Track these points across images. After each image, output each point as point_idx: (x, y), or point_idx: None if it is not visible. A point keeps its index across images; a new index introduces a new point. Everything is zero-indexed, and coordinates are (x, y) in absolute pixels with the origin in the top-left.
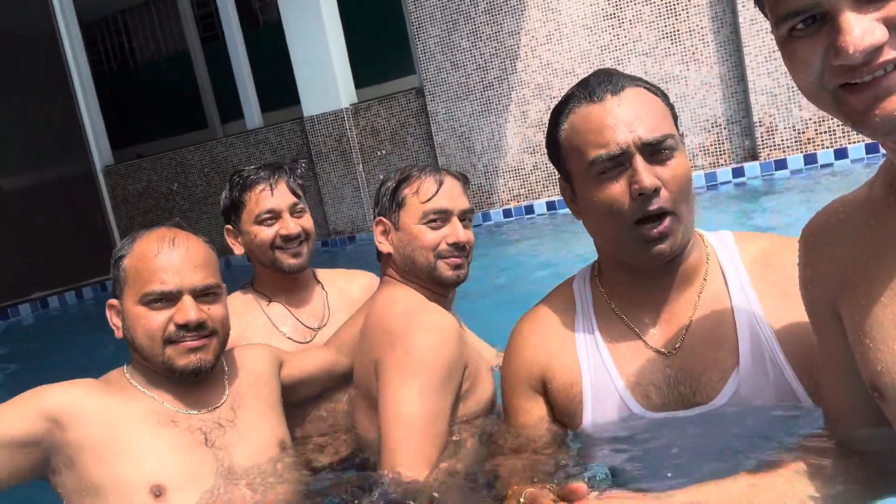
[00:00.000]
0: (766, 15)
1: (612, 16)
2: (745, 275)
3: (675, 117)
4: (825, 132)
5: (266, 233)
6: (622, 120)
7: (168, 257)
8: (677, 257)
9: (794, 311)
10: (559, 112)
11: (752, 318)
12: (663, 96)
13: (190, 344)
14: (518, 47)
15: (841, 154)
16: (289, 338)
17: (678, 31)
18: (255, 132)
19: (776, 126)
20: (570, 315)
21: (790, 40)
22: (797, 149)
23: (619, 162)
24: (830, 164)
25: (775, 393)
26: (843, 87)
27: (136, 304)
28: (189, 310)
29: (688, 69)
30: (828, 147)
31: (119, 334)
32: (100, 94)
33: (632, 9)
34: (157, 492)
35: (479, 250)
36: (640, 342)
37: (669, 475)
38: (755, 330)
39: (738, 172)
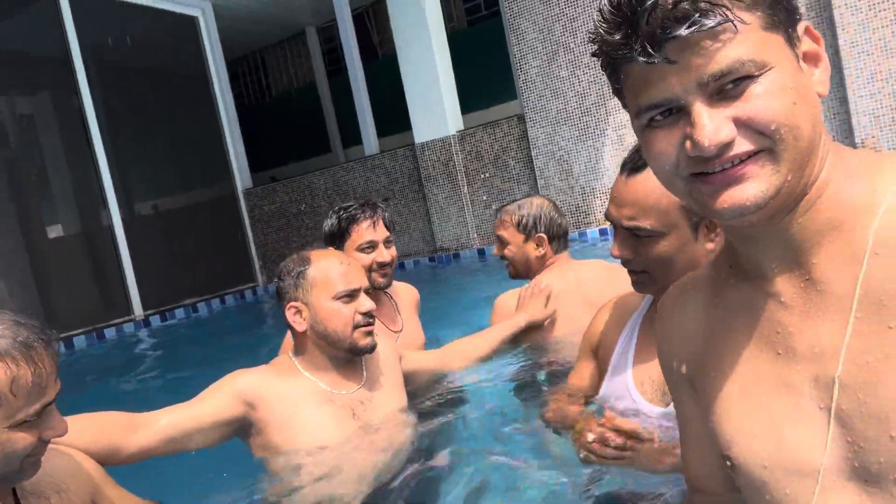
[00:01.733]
0: (623, 104)
1: None
2: None
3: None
4: None
5: (365, 259)
6: (617, 200)
7: (349, 266)
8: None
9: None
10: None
11: None
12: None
13: (369, 328)
14: None
15: None
16: None
17: None
18: (371, 158)
19: (880, 147)
20: (630, 312)
21: (649, 130)
22: None
23: (615, 227)
24: None
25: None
26: (695, 176)
27: (331, 300)
28: (367, 301)
29: None
30: None
31: (302, 328)
32: (241, 124)
33: None
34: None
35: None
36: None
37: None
38: None
39: None
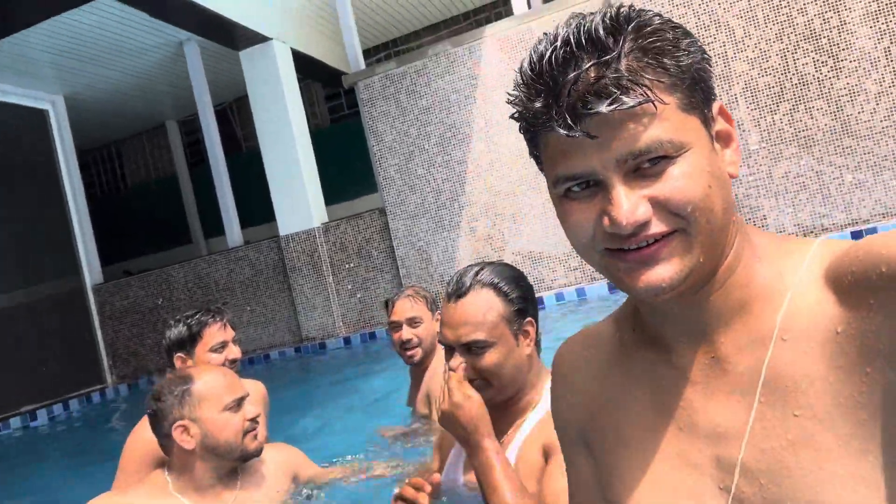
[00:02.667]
0: (540, 168)
1: None
2: (537, 419)
3: (518, 310)
4: None
5: (218, 359)
6: (451, 323)
7: (230, 376)
8: (498, 408)
9: (536, 440)
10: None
11: (518, 440)
12: (505, 295)
13: (256, 432)
14: (465, 173)
15: None
16: None
17: None
18: (235, 249)
19: None
20: None
21: (566, 200)
22: None
23: (451, 350)
24: None
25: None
26: (611, 251)
27: (220, 411)
28: (251, 407)
29: None
30: None
31: (191, 445)
32: (92, 215)
33: None
34: None
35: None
36: None
37: None
38: (514, 448)
39: None
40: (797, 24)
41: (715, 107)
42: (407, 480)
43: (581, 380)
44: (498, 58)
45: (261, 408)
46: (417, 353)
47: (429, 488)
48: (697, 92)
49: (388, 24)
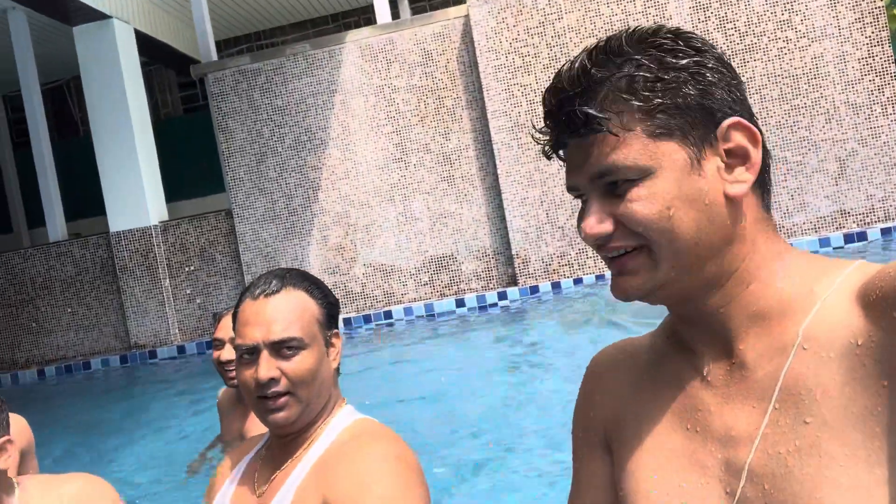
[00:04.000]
0: None
1: (400, 159)
2: (321, 451)
3: (329, 316)
4: (566, 265)
5: None
6: (259, 320)
7: None
8: (295, 426)
9: (315, 487)
10: (241, 294)
11: (293, 484)
12: (321, 299)
13: None
14: (320, 180)
15: (578, 282)
16: None
17: (453, 175)
18: (57, 244)
19: (529, 258)
20: (252, 446)
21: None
22: (546, 277)
23: (252, 353)
24: (569, 289)
25: None
26: (605, 257)
27: None
28: None
29: (461, 207)
30: (569, 276)
31: None
32: None
33: (416, 155)
34: None
35: None
36: (253, 482)
37: None
38: (287, 494)
39: (502, 295)
40: None
41: (724, 124)
42: None
43: (612, 382)
44: (358, 65)
45: (19, 446)
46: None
47: None
48: (683, 116)
49: (249, 16)
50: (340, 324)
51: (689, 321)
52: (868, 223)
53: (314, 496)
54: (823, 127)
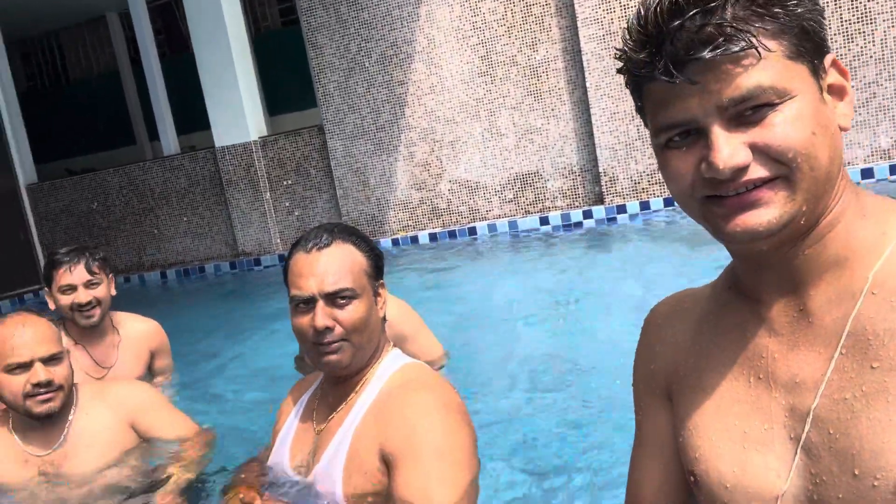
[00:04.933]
0: (645, 122)
1: (486, 73)
2: (373, 397)
3: (376, 268)
4: (657, 183)
5: (65, 300)
6: (314, 272)
7: (24, 338)
8: (348, 371)
9: (371, 434)
10: (290, 249)
11: (351, 426)
12: (368, 251)
13: (43, 397)
14: (406, 95)
15: (670, 202)
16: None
17: (540, 90)
18: (171, 158)
19: (617, 176)
20: (308, 387)
21: (667, 150)
22: (634, 196)
23: (307, 303)
24: (659, 210)
25: (329, 482)
26: (710, 199)
27: (1, 371)
28: (40, 372)
29: (548, 123)
30: (658, 195)
31: None
32: (33, 109)
33: (502, 68)
34: None
35: None
36: (311, 420)
37: None
38: (346, 434)
39: (587, 214)
40: None
41: (828, 59)
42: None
43: (673, 332)
44: None
45: (139, 351)
46: None
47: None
48: (806, 41)
49: None
50: (422, 241)
51: (760, 268)
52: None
53: (371, 443)
54: None
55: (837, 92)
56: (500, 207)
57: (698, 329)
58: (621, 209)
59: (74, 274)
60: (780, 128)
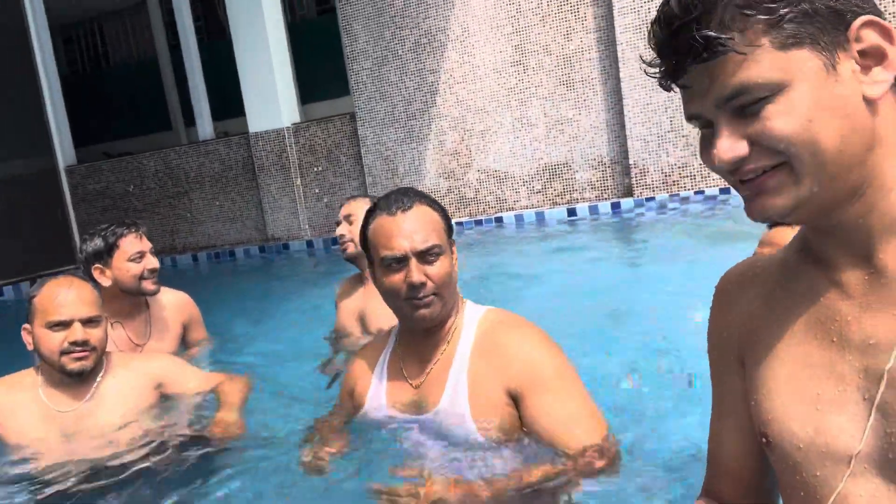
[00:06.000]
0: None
1: (518, 63)
2: (471, 341)
3: (449, 227)
4: (688, 176)
5: (136, 269)
6: (404, 232)
7: (69, 297)
8: (437, 323)
9: (487, 372)
10: (369, 215)
11: (461, 371)
12: (441, 211)
13: (79, 355)
14: (438, 84)
15: (700, 193)
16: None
17: (572, 79)
18: (205, 143)
19: (648, 168)
20: (379, 352)
21: (701, 136)
22: (664, 189)
23: (400, 262)
24: (689, 201)
25: (458, 421)
26: (741, 182)
27: (43, 327)
28: (78, 331)
29: (580, 114)
30: (689, 188)
31: (30, 348)
32: (73, 93)
33: (535, 58)
34: None
35: None
36: (403, 377)
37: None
38: (459, 378)
39: (616, 206)
40: None
41: (856, 25)
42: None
43: (744, 299)
44: None
45: (174, 322)
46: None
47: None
48: (811, 23)
49: None
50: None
51: (826, 233)
52: None
53: (492, 383)
54: None
55: (875, 56)
56: (527, 198)
57: (770, 294)
58: (650, 200)
59: (144, 241)
60: (771, 121)
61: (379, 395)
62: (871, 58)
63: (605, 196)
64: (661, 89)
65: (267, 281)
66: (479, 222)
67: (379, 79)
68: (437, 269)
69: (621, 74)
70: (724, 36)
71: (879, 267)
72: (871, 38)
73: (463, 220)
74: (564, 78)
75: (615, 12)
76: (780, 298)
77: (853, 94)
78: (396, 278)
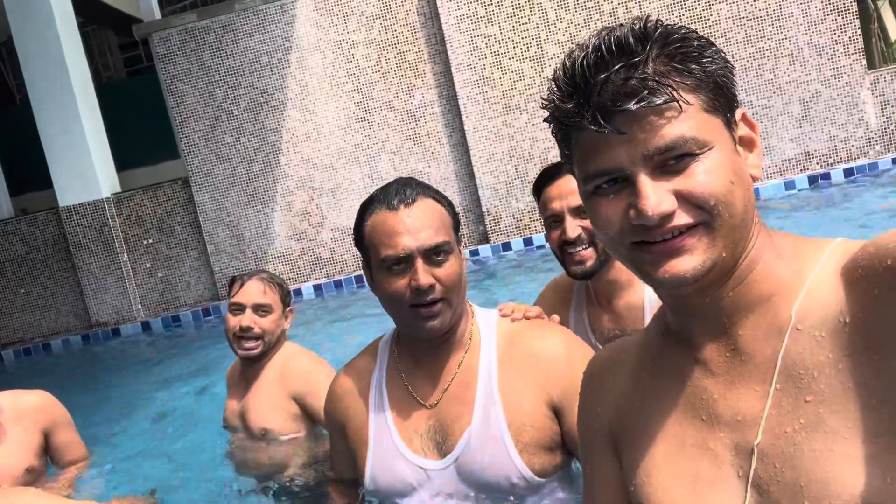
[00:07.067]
0: (571, 170)
1: (363, 119)
2: (494, 350)
3: (456, 222)
4: (538, 220)
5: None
6: (408, 228)
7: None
8: (447, 332)
9: (522, 384)
10: (364, 209)
11: (489, 383)
12: (448, 205)
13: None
14: (280, 143)
15: None
16: None
17: (419, 134)
18: (3, 222)
19: (500, 215)
20: (369, 372)
21: (595, 197)
22: (517, 233)
23: (402, 262)
24: (544, 246)
25: (495, 447)
26: (638, 245)
27: None
28: None
29: (429, 166)
30: (540, 231)
31: None
32: None
33: (379, 114)
34: None
35: None
36: (412, 397)
37: None
38: (489, 392)
39: (474, 253)
40: (603, 10)
41: (738, 113)
42: None
43: (611, 383)
44: (313, 19)
45: (39, 426)
46: (258, 347)
47: None
48: (720, 96)
49: None
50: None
51: (689, 312)
52: (831, 164)
53: (531, 395)
54: (787, 69)
55: (747, 144)
56: None
57: (637, 377)
58: (506, 246)
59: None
60: (702, 176)
61: (384, 425)
62: (745, 145)
63: (463, 244)
64: (503, 138)
65: (95, 374)
66: (338, 283)
67: (214, 140)
68: (447, 269)
69: (465, 127)
70: (667, 84)
71: (739, 344)
72: (745, 127)
73: (321, 281)
74: (410, 133)
75: (453, 69)
76: (647, 380)
77: (746, 170)
78: (399, 282)
